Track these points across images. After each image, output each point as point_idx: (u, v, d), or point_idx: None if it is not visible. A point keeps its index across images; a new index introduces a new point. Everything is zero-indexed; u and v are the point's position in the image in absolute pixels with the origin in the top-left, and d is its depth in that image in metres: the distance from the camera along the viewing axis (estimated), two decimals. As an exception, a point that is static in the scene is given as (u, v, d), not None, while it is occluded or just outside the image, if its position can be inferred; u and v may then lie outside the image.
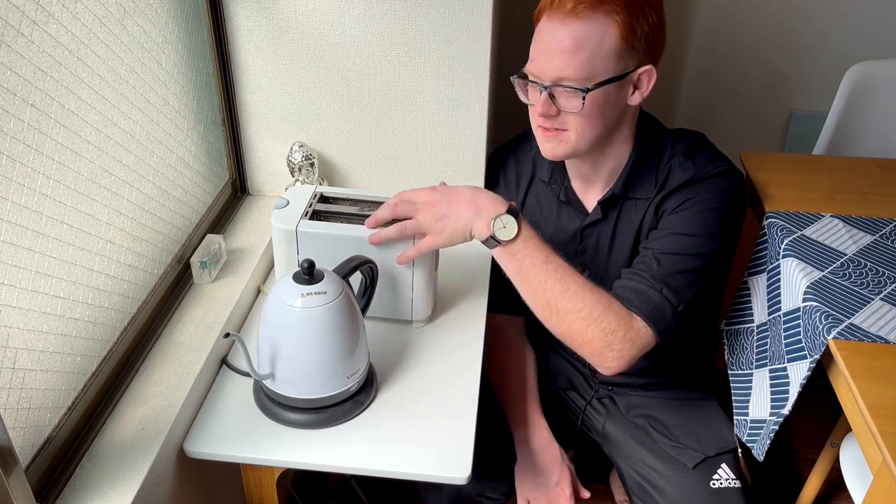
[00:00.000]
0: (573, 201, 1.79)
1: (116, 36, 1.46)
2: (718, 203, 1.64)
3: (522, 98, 1.63)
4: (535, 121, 1.62)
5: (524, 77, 1.60)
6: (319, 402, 1.46)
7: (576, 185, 1.79)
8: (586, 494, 1.85)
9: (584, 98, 1.52)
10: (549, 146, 1.63)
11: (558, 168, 1.78)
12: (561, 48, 1.50)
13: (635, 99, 1.59)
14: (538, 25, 1.56)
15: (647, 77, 1.57)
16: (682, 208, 1.65)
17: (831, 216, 1.87)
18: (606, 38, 1.49)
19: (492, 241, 1.52)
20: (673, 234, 1.63)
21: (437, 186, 1.58)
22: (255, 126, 2.02)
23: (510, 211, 1.52)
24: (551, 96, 1.55)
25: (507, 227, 1.52)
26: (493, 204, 1.53)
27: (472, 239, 1.56)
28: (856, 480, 1.75)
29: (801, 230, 1.80)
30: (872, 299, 1.61)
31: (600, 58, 1.50)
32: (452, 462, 1.42)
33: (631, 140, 1.70)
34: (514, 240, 1.52)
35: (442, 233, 1.55)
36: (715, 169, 1.66)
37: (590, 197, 1.78)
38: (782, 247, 1.75)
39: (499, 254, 1.54)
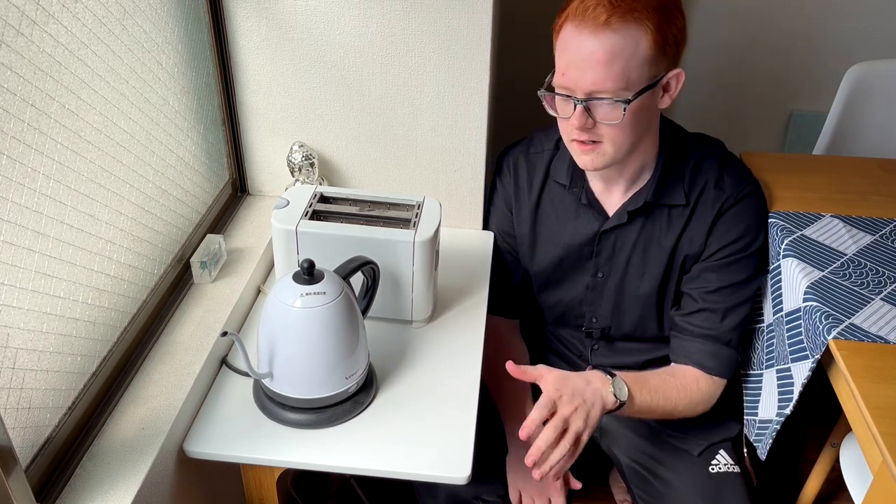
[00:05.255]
0: (594, 204, 1.78)
1: (116, 36, 1.45)
2: (753, 244, 1.75)
3: (551, 112, 1.62)
4: (570, 134, 1.60)
5: (551, 90, 1.58)
6: (319, 402, 1.46)
7: (596, 187, 1.78)
8: (577, 485, 1.85)
9: (625, 109, 1.51)
10: (587, 159, 1.62)
11: (578, 171, 1.77)
12: (596, 60, 1.48)
13: (665, 102, 1.59)
14: (562, 35, 1.53)
15: (676, 80, 1.57)
16: (729, 255, 1.75)
17: (831, 216, 1.87)
18: (640, 46, 1.48)
19: (619, 405, 1.58)
20: (727, 287, 1.75)
21: (554, 387, 1.53)
22: (256, 126, 2.02)
23: (609, 374, 1.60)
24: (587, 109, 1.54)
25: (621, 387, 1.60)
26: (601, 379, 1.59)
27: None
28: (856, 480, 1.74)
29: (801, 230, 1.79)
30: (873, 299, 1.61)
31: (635, 66, 1.49)
32: (452, 462, 1.42)
33: (655, 142, 1.70)
34: (630, 393, 1.61)
35: (592, 427, 1.54)
36: (746, 188, 1.74)
37: (610, 199, 1.78)
38: (782, 247, 1.75)
39: (622, 411, 1.61)
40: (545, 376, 1.53)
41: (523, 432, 1.45)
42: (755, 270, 1.77)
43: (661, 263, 1.78)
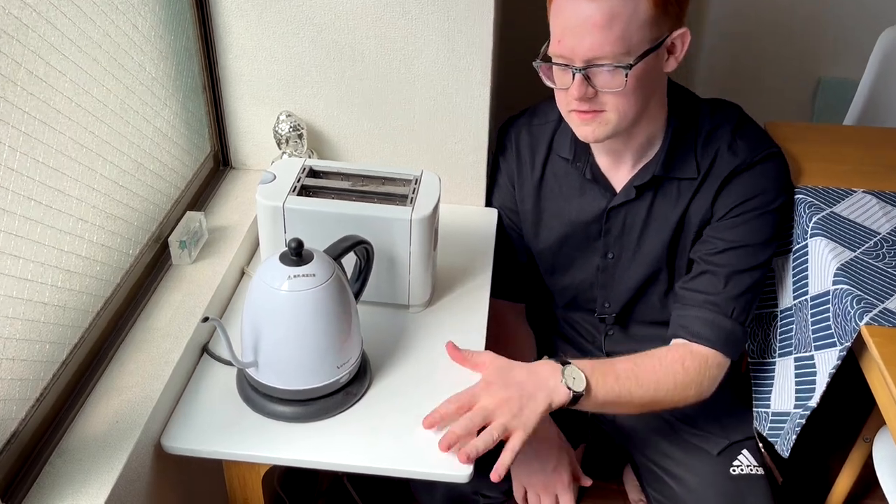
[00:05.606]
0: (600, 179, 1.79)
1: (88, -5, 1.45)
2: (772, 203, 1.71)
3: (549, 83, 1.62)
4: (569, 105, 1.60)
5: (547, 59, 1.58)
6: (308, 393, 1.46)
7: (602, 161, 1.78)
8: (587, 482, 1.85)
9: (626, 75, 1.50)
10: (587, 129, 1.62)
11: (581, 144, 1.76)
12: (592, 25, 1.47)
13: (670, 65, 1.59)
14: (556, 0, 1.54)
15: (682, 40, 1.57)
16: (739, 213, 1.70)
17: (863, 192, 1.87)
18: (640, 6, 1.48)
19: (575, 397, 1.54)
20: (736, 249, 1.70)
21: (486, 378, 1.53)
22: (239, 94, 2.01)
23: (562, 363, 1.56)
24: (587, 78, 1.53)
25: (576, 376, 1.55)
26: (550, 367, 1.56)
27: (553, 409, 1.54)
28: (890, 478, 1.75)
29: (830, 207, 1.79)
30: (908, 282, 1.61)
31: (636, 29, 1.49)
32: (453, 458, 1.42)
33: (663, 110, 1.70)
34: (588, 382, 1.55)
35: (527, 423, 1.48)
36: (765, 152, 1.71)
37: (618, 174, 1.78)
38: (810, 225, 1.75)
39: (584, 404, 1.57)
40: (487, 364, 1.53)
41: (425, 422, 1.46)
42: (770, 234, 1.73)
43: (667, 239, 1.78)
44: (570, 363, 1.56)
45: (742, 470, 1.80)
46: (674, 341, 1.72)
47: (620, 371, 1.61)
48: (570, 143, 1.80)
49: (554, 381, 1.53)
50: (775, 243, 1.75)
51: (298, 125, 1.97)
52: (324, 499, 2.30)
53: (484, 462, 1.43)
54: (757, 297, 1.73)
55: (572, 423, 1.92)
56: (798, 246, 1.77)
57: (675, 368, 1.64)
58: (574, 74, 1.53)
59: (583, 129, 1.62)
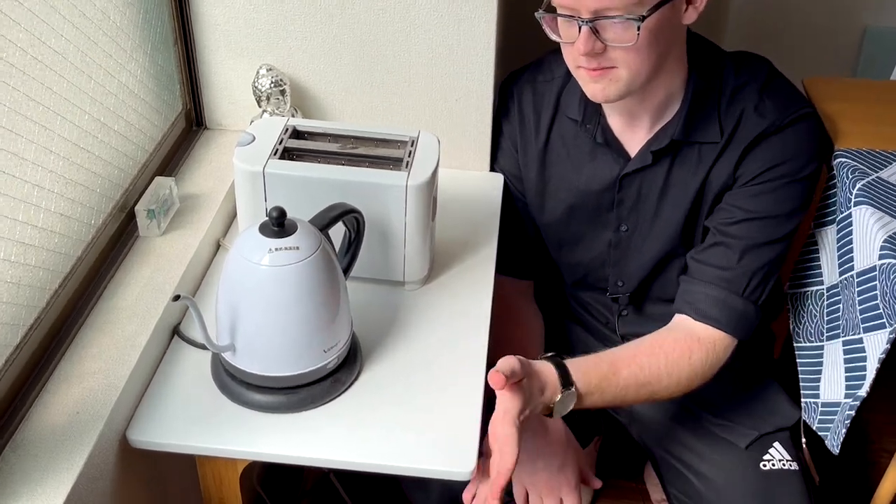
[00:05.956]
0: (612, 143, 1.77)
1: (42, -67, 1.44)
2: (803, 170, 1.69)
3: (553, 36, 1.61)
4: (576, 60, 1.59)
5: (552, 10, 1.57)
6: (291, 380, 1.46)
7: (615, 123, 1.77)
8: (597, 484, 1.86)
9: (639, 28, 1.49)
10: (596, 88, 1.60)
11: (592, 104, 1.75)
12: None
13: (689, 17, 1.58)
14: None
15: None
16: (765, 181, 1.68)
17: (913, 155, 1.85)
18: None
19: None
20: (756, 220, 1.69)
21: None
22: (215, 45, 2.01)
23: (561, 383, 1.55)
24: (595, 31, 1.51)
25: (566, 401, 1.55)
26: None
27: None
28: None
29: (876, 172, 1.79)
30: (964, 255, 1.59)
31: None
32: (453, 454, 1.43)
33: (683, 66, 1.69)
34: (578, 396, 1.56)
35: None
36: (795, 113, 1.68)
37: (633, 138, 1.77)
38: (854, 192, 1.74)
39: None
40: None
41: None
42: (797, 205, 1.71)
43: (685, 210, 1.77)
44: (568, 389, 1.55)
45: (773, 465, 1.80)
46: (677, 318, 1.72)
47: (622, 380, 1.61)
48: (579, 103, 1.79)
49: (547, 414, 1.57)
50: (800, 215, 1.73)
51: (281, 80, 1.96)
52: (308, 498, 2.32)
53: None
54: (775, 274, 1.73)
55: (583, 414, 1.91)
56: (842, 215, 1.76)
57: (680, 365, 1.65)
58: (580, 27, 1.52)
59: (592, 87, 1.61)
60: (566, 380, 1.54)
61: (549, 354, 1.57)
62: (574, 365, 1.56)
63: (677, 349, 1.65)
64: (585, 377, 1.56)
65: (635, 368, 1.62)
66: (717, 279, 1.69)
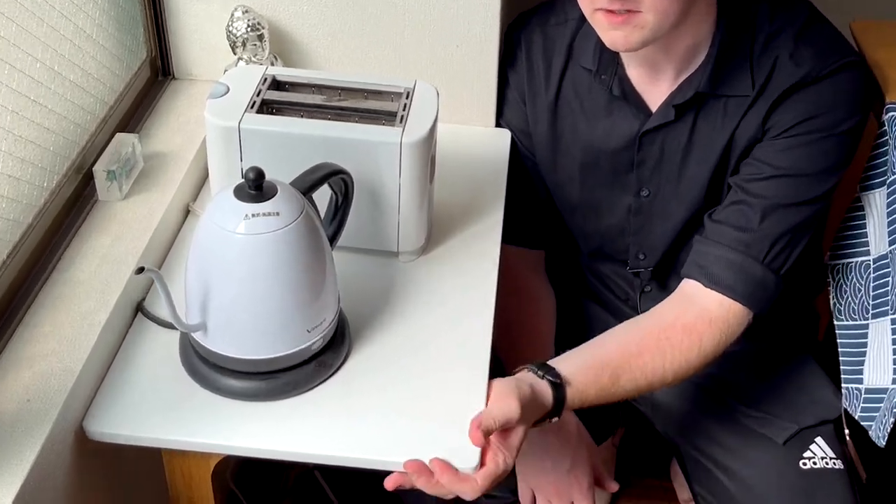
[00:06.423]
0: (630, 97, 1.76)
1: None
2: (843, 123, 1.65)
3: None
4: (594, 2, 1.56)
5: None
6: (270, 363, 1.46)
7: (634, 74, 1.75)
8: (613, 487, 1.89)
9: None
10: (617, 35, 1.57)
11: (609, 51, 1.73)
12: None
13: None
14: None
15: None
16: (798, 134, 1.66)
17: (974, 109, 1.84)
18: None
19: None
20: (784, 177, 1.66)
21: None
22: (184, -16, 2.01)
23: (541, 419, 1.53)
24: None
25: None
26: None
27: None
28: None
29: (934, 128, 1.77)
30: None
31: None
32: (453, 446, 1.42)
33: (711, 10, 1.67)
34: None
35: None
36: (837, 62, 1.65)
37: (654, 91, 1.75)
38: (907, 152, 1.72)
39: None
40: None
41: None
42: (834, 163, 1.68)
43: (712, 170, 1.76)
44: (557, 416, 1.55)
45: (815, 463, 1.79)
46: (685, 284, 1.70)
47: (620, 390, 1.61)
48: (594, 50, 1.77)
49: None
50: (837, 175, 1.70)
51: (258, 24, 1.95)
52: (290, 497, 2.34)
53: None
54: (802, 241, 1.70)
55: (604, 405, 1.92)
56: (893, 177, 1.75)
57: (689, 356, 1.64)
58: None
59: (611, 34, 1.58)
60: (559, 405, 1.54)
61: (544, 365, 1.55)
62: (573, 388, 1.54)
63: (686, 341, 1.63)
64: (581, 396, 1.56)
65: (637, 374, 1.61)
66: (735, 241, 1.66)
